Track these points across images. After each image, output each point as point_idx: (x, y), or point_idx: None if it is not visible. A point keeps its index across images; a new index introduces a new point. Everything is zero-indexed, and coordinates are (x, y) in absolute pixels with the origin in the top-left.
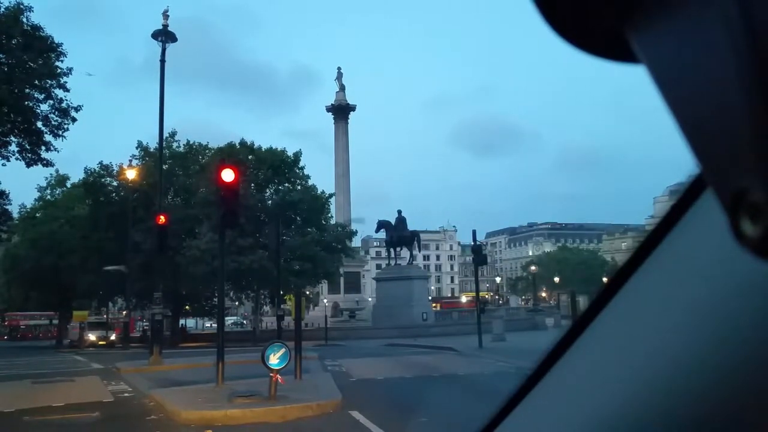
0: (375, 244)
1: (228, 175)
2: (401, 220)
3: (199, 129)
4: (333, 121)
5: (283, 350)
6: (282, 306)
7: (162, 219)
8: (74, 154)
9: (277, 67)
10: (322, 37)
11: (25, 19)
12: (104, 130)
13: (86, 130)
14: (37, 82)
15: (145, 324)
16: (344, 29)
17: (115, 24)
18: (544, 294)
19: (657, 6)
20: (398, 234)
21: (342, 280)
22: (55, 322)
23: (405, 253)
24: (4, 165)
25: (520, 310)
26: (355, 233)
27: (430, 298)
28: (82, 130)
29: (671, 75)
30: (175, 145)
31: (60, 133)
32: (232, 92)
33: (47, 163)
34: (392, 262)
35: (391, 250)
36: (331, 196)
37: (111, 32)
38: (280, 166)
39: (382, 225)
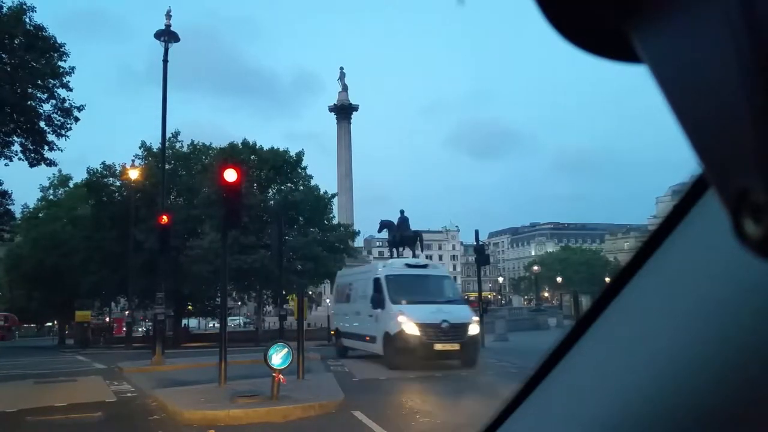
0: (377, 244)
1: (230, 175)
2: (404, 220)
3: (203, 134)
4: (336, 121)
5: (285, 350)
6: (285, 306)
7: (164, 219)
8: (82, 157)
9: (279, 72)
10: (324, 43)
11: (27, 19)
12: (112, 134)
13: (94, 135)
14: (39, 81)
15: (148, 324)
16: (345, 34)
17: (122, 33)
18: (546, 294)
19: (659, 5)
20: (401, 234)
21: None
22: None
23: (407, 253)
24: (7, 165)
25: (522, 310)
26: (357, 233)
27: None
28: (91, 134)
29: (673, 74)
30: (178, 145)
31: (63, 132)
32: (236, 97)
33: (50, 163)
34: None
35: (394, 250)
36: (333, 196)
37: (119, 41)
38: (282, 166)
39: (384, 225)
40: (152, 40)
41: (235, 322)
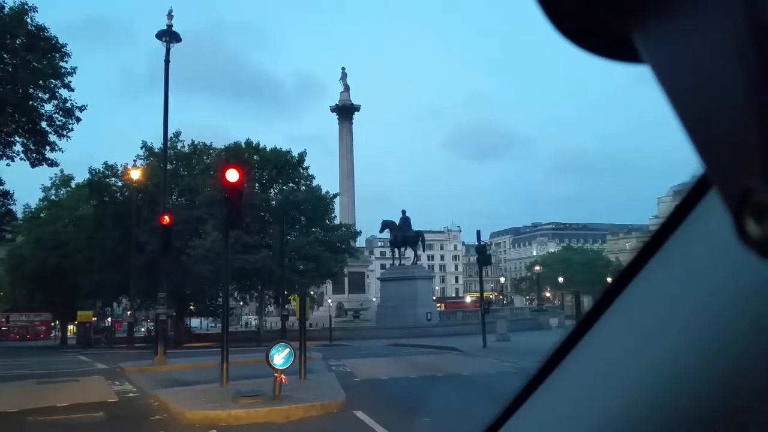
0: (379, 244)
1: (232, 175)
2: (405, 220)
3: (205, 137)
4: (337, 121)
5: (287, 350)
6: (286, 306)
7: (166, 219)
8: (85, 159)
9: (281, 76)
10: (326, 47)
11: (29, 20)
12: (115, 139)
13: (97, 140)
14: (41, 82)
15: (150, 324)
16: (347, 38)
17: (127, 39)
18: (548, 294)
19: (662, 5)
20: (402, 234)
21: (346, 280)
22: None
23: (409, 253)
24: (8, 165)
25: (524, 310)
26: (359, 233)
27: (434, 298)
28: (94, 138)
29: (676, 75)
30: (179, 145)
31: (64, 133)
32: (238, 102)
33: (52, 163)
34: (396, 263)
35: (396, 250)
36: (335, 196)
37: (124, 46)
38: (284, 166)
39: (386, 225)
40: (156, 45)
41: (236, 323)
